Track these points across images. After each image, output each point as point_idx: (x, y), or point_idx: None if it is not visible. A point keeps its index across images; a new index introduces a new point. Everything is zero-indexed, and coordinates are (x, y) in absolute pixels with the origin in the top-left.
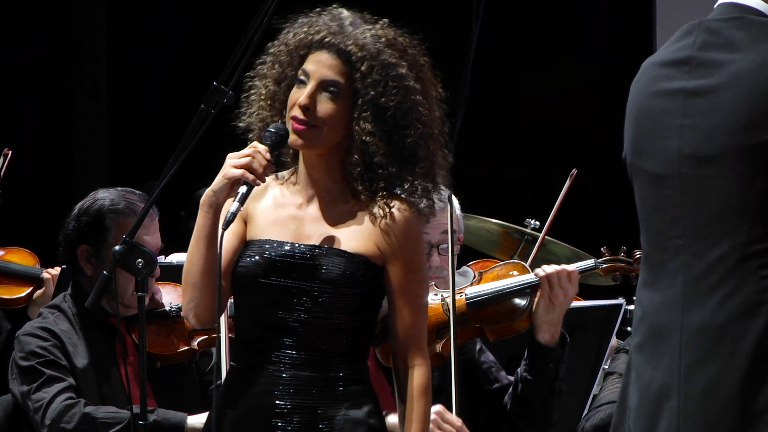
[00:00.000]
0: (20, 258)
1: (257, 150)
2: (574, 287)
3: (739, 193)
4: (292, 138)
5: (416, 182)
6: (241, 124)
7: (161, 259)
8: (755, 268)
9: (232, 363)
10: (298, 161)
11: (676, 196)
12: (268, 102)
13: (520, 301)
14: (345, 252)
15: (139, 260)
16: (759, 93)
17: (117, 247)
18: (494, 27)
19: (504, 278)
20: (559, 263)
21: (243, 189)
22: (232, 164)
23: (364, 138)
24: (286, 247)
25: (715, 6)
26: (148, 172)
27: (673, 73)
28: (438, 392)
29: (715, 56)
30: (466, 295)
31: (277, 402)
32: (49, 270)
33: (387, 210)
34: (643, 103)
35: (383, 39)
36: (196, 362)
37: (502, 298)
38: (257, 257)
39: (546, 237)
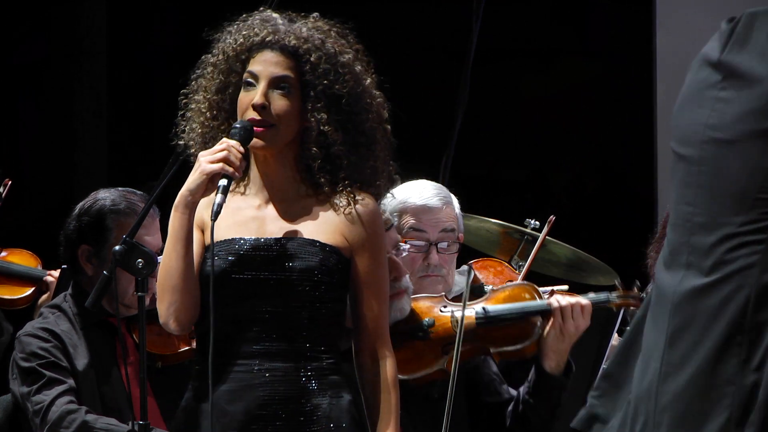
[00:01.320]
0: (21, 259)
1: (230, 144)
2: (586, 321)
3: (745, 176)
4: (252, 141)
5: (378, 166)
6: (180, 142)
7: (161, 258)
8: (743, 255)
9: (196, 367)
10: (246, 170)
11: (696, 174)
12: (213, 112)
13: (531, 327)
14: (317, 242)
15: (140, 260)
16: None
17: (117, 247)
18: (494, 27)
19: (516, 300)
20: (559, 263)
21: (224, 182)
22: (209, 160)
23: (321, 128)
24: (257, 242)
25: None
26: (148, 172)
27: (716, 44)
28: (437, 402)
29: (756, 38)
30: (475, 312)
31: (260, 394)
32: (52, 273)
33: (351, 201)
34: (693, 71)
35: (321, 30)
36: None
37: (513, 321)
38: (225, 255)
39: (546, 237)
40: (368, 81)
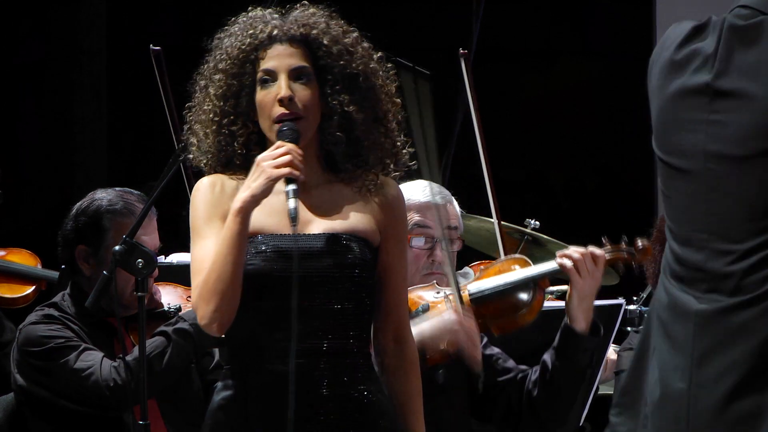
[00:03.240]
0: (21, 258)
1: (290, 147)
2: (601, 270)
3: (758, 195)
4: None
5: (395, 146)
6: (190, 156)
7: (161, 259)
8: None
9: (227, 366)
10: None
11: (701, 192)
12: (231, 118)
13: (524, 295)
14: (354, 236)
15: (139, 260)
16: None
17: (117, 247)
18: (494, 27)
19: (506, 273)
20: None
21: (292, 186)
22: (274, 164)
23: (345, 109)
24: (298, 238)
25: (734, 7)
26: (148, 172)
27: (697, 68)
28: (441, 391)
29: (743, 57)
30: (469, 291)
31: (310, 393)
32: None
33: (378, 186)
34: (666, 95)
35: (320, 15)
36: (196, 362)
37: (506, 292)
38: (266, 252)
39: (546, 237)
40: (377, 57)
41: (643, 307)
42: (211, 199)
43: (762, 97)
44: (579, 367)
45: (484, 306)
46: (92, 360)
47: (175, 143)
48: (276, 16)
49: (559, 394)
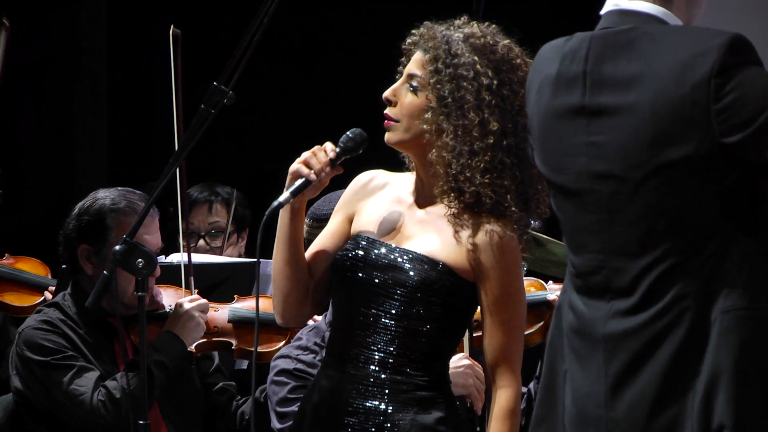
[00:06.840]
0: (31, 267)
1: (322, 148)
2: None
3: (651, 211)
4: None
5: (510, 191)
6: None
7: (161, 258)
8: (673, 286)
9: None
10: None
11: (592, 213)
12: None
13: (534, 317)
14: (432, 260)
15: (140, 260)
16: (663, 111)
17: (117, 247)
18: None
19: None
20: (559, 263)
21: (298, 182)
22: (297, 161)
23: (445, 136)
24: (379, 247)
25: (602, 14)
26: (148, 172)
27: (568, 89)
28: None
29: (613, 71)
30: None
31: (350, 400)
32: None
33: (484, 228)
34: (545, 117)
35: (463, 36)
36: (196, 364)
37: None
38: (349, 252)
39: (546, 237)
40: (497, 98)
41: None
42: (346, 195)
43: (641, 106)
44: None
45: None
46: (84, 387)
47: (176, 136)
48: (440, 28)
49: None
